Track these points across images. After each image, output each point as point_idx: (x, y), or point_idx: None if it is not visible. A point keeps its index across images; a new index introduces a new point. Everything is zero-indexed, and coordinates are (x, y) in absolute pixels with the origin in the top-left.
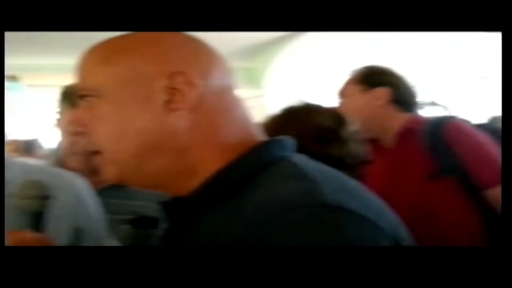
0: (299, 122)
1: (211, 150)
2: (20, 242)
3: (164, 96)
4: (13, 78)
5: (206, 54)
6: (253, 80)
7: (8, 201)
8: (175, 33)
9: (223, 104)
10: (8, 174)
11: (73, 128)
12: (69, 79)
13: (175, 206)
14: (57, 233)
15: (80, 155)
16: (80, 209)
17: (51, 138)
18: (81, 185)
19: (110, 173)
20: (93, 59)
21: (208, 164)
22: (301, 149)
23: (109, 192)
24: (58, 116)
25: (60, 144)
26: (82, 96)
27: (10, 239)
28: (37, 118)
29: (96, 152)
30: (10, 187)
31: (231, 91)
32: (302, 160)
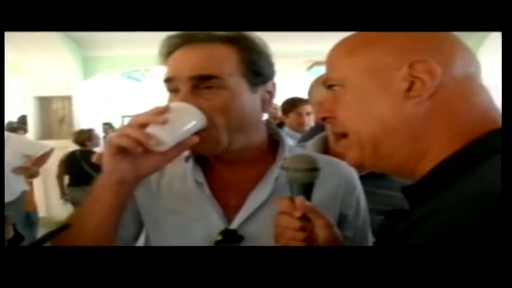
0: None
1: (446, 135)
2: (290, 208)
3: (405, 84)
4: None
5: (448, 42)
6: None
7: (283, 173)
8: None
9: (463, 91)
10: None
11: (321, 114)
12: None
13: (410, 192)
14: (323, 210)
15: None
16: (348, 198)
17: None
18: (354, 175)
19: (351, 157)
20: (339, 52)
21: (441, 148)
22: None
23: (368, 180)
24: (314, 101)
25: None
26: (330, 86)
27: (283, 205)
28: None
29: (344, 135)
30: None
31: (473, 78)
32: None
